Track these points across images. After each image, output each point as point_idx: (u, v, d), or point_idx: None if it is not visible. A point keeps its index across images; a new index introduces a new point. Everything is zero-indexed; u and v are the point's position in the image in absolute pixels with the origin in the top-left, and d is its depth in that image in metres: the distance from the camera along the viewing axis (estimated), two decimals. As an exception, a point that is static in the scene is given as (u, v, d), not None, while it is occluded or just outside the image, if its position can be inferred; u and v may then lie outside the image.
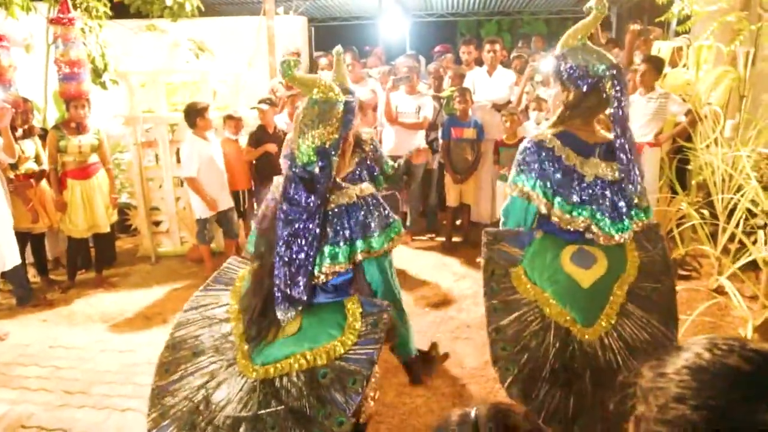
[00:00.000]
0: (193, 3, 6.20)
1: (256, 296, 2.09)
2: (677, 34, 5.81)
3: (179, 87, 5.87)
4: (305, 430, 1.85)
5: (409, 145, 4.98)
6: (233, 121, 5.37)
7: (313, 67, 7.47)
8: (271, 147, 5.29)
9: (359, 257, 2.04)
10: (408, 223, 5.96)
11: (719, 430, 0.71)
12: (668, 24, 6.30)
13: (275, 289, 2.01)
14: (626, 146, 2.21)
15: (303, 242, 1.96)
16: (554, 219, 2.30)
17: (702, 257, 4.83)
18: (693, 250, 4.70)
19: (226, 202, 5.18)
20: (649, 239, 2.36)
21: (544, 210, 2.32)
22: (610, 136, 2.30)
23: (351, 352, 1.95)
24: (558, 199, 2.29)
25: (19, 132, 4.67)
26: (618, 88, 2.19)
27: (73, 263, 5.01)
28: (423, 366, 2.71)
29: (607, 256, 2.29)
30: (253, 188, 5.58)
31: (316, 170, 1.96)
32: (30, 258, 4.96)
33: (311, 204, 1.94)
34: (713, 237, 4.30)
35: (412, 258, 5.40)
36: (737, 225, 3.95)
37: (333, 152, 2.00)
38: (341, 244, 2.01)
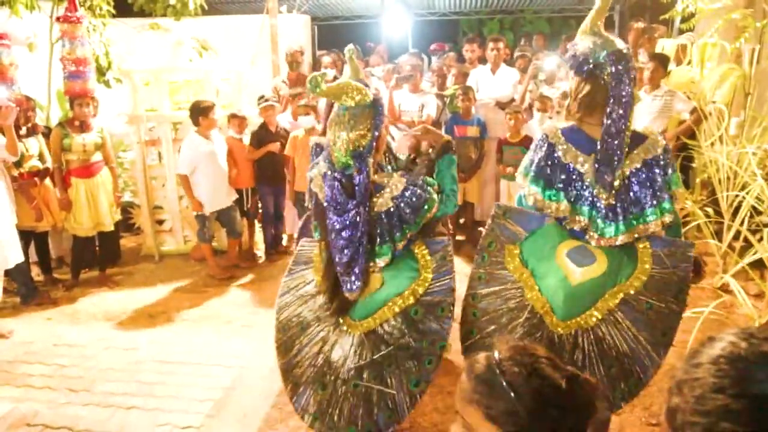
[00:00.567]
0: (196, 1, 6.20)
1: (327, 279, 2.33)
2: (681, 32, 5.80)
3: (182, 85, 5.87)
4: (416, 360, 2.16)
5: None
6: (237, 120, 5.37)
7: (316, 66, 7.46)
8: (274, 146, 5.29)
9: (400, 246, 2.25)
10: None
11: (762, 418, 0.70)
12: (672, 22, 6.27)
13: (336, 271, 2.25)
14: (611, 129, 2.09)
15: (351, 249, 2.17)
16: (561, 215, 2.26)
17: (707, 255, 4.81)
18: (698, 248, 4.68)
19: (226, 201, 5.18)
20: (674, 257, 2.18)
21: (548, 212, 2.27)
22: None
23: (431, 287, 2.22)
24: (564, 199, 2.23)
25: (23, 130, 4.67)
26: (613, 71, 2.08)
27: (78, 262, 5.01)
28: None
29: (609, 259, 2.20)
30: (256, 187, 5.56)
31: (354, 173, 2.13)
32: (34, 257, 4.96)
33: (353, 211, 2.14)
34: (718, 235, 4.29)
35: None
36: (742, 222, 3.94)
37: (368, 153, 2.15)
38: (386, 243, 2.24)
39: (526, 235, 2.34)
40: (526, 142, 5.39)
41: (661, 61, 4.76)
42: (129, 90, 5.58)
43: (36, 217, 4.68)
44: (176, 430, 2.94)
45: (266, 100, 5.45)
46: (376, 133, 2.17)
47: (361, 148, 2.11)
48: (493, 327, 2.25)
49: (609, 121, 2.11)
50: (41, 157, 4.81)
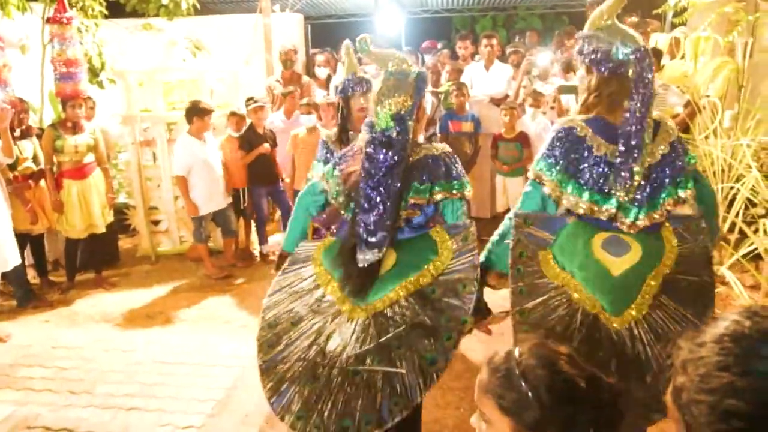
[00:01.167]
0: (189, 1, 6.16)
1: (342, 255, 2.20)
2: (674, 26, 5.82)
3: (176, 86, 5.84)
4: (432, 337, 1.97)
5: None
6: (236, 118, 5.36)
7: (310, 64, 7.45)
8: (264, 149, 5.28)
9: (438, 197, 2.21)
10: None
11: (766, 395, 0.71)
12: (665, 16, 6.30)
13: (357, 235, 2.12)
14: (632, 126, 2.09)
15: (383, 194, 2.09)
16: (580, 211, 2.18)
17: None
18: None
19: (221, 202, 5.17)
20: (690, 230, 2.20)
21: (567, 205, 2.21)
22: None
23: (450, 266, 2.11)
24: (586, 193, 2.18)
25: (17, 132, 4.64)
26: (638, 69, 2.08)
27: (71, 264, 4.98)
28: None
29: (643, 245, 2.16)
30: (250, 189, 5.54)
31: (394, 134, 2.12)
32: (29, 259, 4.94)
33: (389, 159, 2.09)
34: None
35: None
36: (737, 214, 3.96)
37: (408, 118, 2.16)
38: (424, 184, 2.19)
39: (553, 238, 2.24)
40: (521, 137, 5.41)
41: (654, 55, 4.77)
42: (123, 91, 5.56)
43: (31, 219, 4.65)
44: (178, 431, 2.95)
45: (255, 102, 5.44)
46: (417, 100, 2.21)
47: (403, 111, 2.15)
48: (549, 341, 2.11)
49: (631, 119, 2.11)
50: (35, 160, 4.78)
